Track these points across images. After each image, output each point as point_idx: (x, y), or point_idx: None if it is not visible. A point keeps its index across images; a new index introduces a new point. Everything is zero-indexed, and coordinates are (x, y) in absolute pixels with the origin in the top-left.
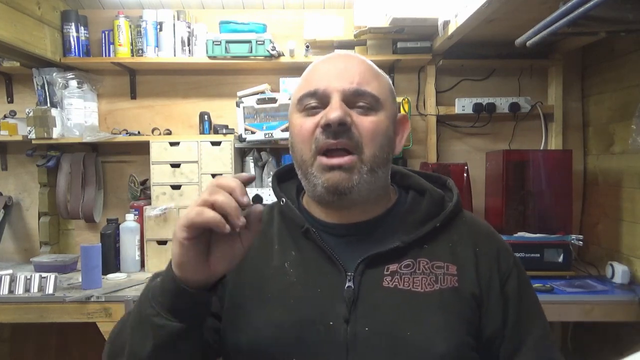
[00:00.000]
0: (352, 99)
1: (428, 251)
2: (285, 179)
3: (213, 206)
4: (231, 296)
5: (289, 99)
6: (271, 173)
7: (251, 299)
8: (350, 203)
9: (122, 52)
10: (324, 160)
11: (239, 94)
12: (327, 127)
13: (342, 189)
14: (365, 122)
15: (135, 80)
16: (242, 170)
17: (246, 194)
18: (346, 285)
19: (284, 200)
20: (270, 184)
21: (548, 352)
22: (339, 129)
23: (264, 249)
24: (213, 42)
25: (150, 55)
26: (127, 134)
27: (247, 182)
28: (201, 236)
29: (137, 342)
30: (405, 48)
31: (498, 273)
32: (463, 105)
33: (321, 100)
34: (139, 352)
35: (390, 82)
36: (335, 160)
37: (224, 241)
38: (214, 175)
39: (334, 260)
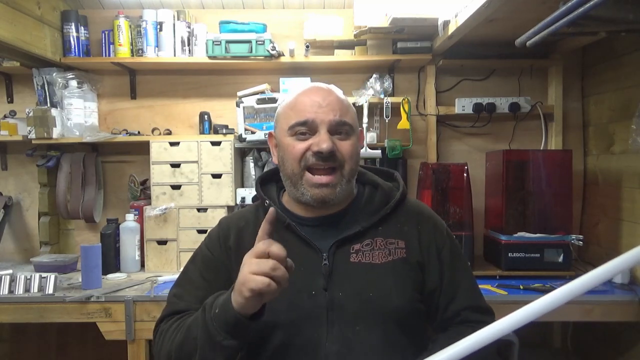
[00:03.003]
0: (335, 127)
1: (382, 232)
2: (266, 182)
3: (273, 278)
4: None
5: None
6: None
7: None
8: (329, 206)
9: (122, 52)
10: (309, 177)
11: (239, 94)
12: (318, 154)
13: (327, 201)
14: (345, 146)
15: (135, 80)
16: (242, 170)
17: None
18: (323, 263)
19: (268, 202)
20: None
21: (476, 299)
22: (327, 155)
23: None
24: (213, 42)
25: (150, 55)
26: (127, 134)
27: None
28: None
29: (210, 356)
30: (405, 48)
31: (435, 243)
32: (463, 105)
33: (310, 128)
34: None
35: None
36: (324, 179)
37: None
38: (214, 175)
39: (311, 245)
